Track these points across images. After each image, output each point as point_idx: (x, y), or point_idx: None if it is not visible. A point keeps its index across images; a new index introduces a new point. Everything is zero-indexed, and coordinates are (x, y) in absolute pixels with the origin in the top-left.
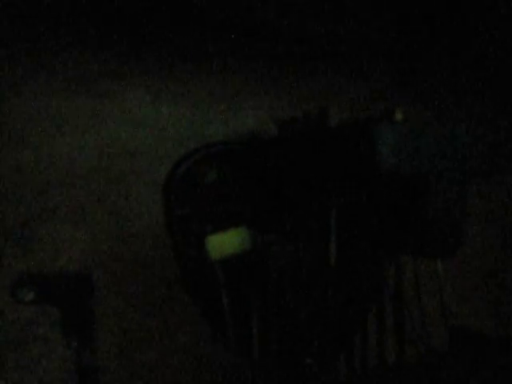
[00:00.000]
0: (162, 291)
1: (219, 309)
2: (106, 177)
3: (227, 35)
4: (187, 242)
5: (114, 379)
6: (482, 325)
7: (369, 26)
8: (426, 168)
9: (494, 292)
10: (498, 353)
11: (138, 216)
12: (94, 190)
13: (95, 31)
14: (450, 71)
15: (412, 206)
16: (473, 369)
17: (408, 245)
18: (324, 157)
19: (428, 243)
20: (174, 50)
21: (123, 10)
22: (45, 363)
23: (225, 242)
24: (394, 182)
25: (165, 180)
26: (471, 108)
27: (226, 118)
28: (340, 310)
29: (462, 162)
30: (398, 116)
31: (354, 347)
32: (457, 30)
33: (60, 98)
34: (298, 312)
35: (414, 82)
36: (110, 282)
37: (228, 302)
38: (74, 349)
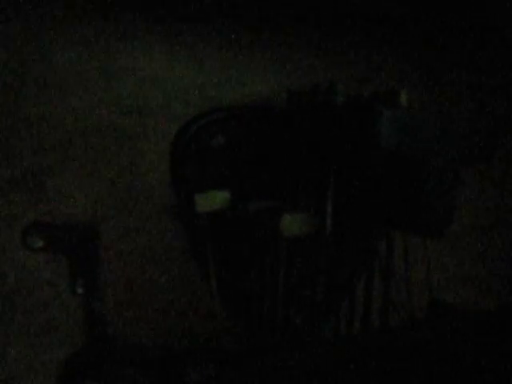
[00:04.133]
0: (165, 244)
1: (214, 268)
2: (115, 134)
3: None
4: (190, 201)
5: (117, 327)
6: (463, 298)
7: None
8: (424, 150)
9: (479, 269)
10: (471, 325)
11: (144, 173)
12: (104, 146)
13: None
14: (460, 52)
15: (407, 186)
16: (445, 338)
17: (399, 222)
18: (328, 131)
19: (418, 223)
20: (190, 12)
21: None
22: (51, 308)
23: (211, 199)
24: (392, 162)
25: (173, 140)
26: (475, 92)
27: (237, 84)
28: (331, 277)
29: (460, 147)
30: (403, 98)
31: (340, 311)
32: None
33: (71, 53)
34: (290, 275)
35: (423, 60)
36: (116, 233)
37: (220, 260)
38: (81, 295)
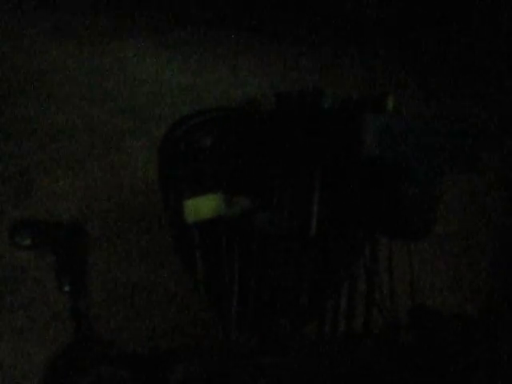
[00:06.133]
0: (151, 243)
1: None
2: (103, 132)
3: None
4: (176, 201)
5: (103, 325)
6: (445, 301)
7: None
8: (407, 158)
9: (464, 273)
10: (454, 330)
11: (132, 172)
12: (92, 146)
13: None
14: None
15: (388, 191)
16: (428, 342)
17: (381, 228)
18: (315, 134)
19: (398, 228)
20: (178, 14)
21: None
22: (38, 305)
23: (201, 207)
24: (374, 168)
25: (160, 141)
26: (463, 101)
27: (225, 85)
28: (315, 279)
29: (444, 154)
30: (390, 104)
31: (325, 313)
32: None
33: (62, 53)
34: (275, 276)
35: (412, 65)
36: (104, 232)
37: (204, 261)
38: (67, 293)
